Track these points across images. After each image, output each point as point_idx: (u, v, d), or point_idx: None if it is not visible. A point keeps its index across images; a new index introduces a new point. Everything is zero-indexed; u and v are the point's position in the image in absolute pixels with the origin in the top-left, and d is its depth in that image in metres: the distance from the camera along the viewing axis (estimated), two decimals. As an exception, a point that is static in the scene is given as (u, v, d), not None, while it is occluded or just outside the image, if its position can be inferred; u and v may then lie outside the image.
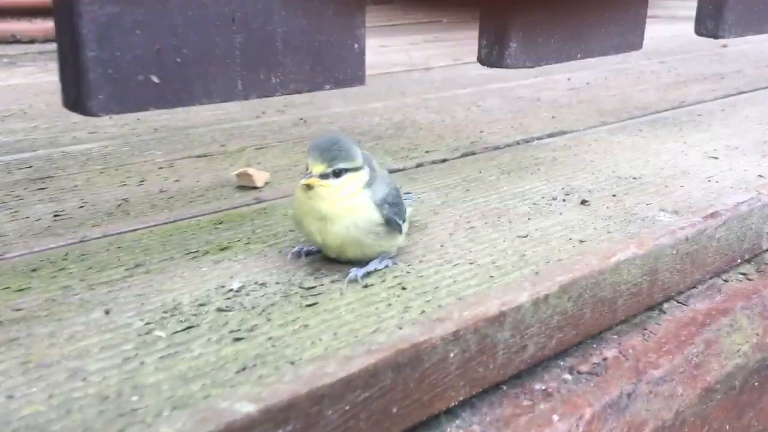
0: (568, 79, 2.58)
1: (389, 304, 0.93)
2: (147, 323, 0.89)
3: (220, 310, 0.92)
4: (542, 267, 1.03)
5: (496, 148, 1.70)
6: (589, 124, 1.91)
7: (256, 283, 0.99)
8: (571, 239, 1.13)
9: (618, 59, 3.03)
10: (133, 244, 1.14)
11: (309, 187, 0.96)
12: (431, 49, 3.48)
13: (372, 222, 0.99)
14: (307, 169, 0.96)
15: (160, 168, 1.54)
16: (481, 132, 1.85)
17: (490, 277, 1.01)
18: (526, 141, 1.75)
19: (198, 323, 0.89)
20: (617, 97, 2.26)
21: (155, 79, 0.83)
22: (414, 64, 2.99)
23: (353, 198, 0.98)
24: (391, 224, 1.01)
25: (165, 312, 0.91)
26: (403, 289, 0.97)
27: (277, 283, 1.00)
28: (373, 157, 1.04)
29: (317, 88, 0.99)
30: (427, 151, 1.67)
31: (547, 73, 2.71)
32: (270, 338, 0.85)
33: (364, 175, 1.00)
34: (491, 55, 1.19)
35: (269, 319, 0.89)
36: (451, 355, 0.88)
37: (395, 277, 1.01)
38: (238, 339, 0.85)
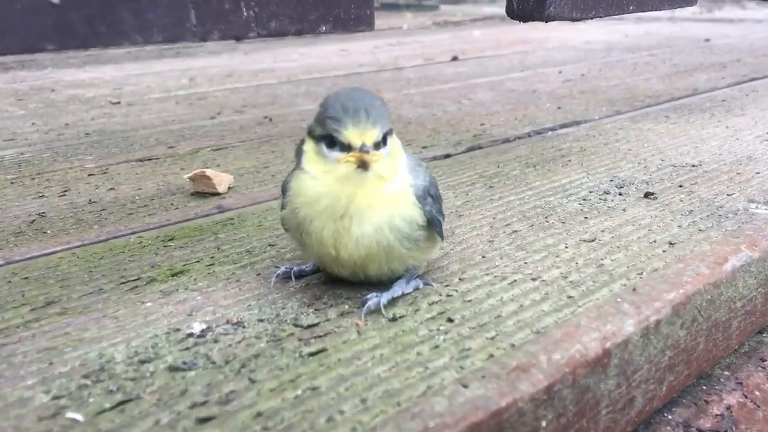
0: (560, 72, 2.31)
1: (436, 346, 0.61)
2: (55, 397, 0.55)
3: (173, 369, 0.59)
4: (637, 280, 0.73)
5: (506, 140, 1.40)
6: (603, 114, 1.63)
7: (228, 322, 0.67)
8: (655, 241, 0.83)
9: (602, 53, 2.80)
10: (47, 272, 0.80)
11: (365, 166, 0.64)
12: (396, 51, 3.19)
13: (411, 221, 0.67)
14: (332, 141, 0.64)
15: (90, 175, 1.20)
16: (482, 125, 1.55)
17: (569, 297, 0.70)
18: (538, 132, 1.46)
19: (138, 394, 0.55)
20: (621, 87, 1.99)
21: (55, -2, 0.51)
22: (383, 65, 2.70)
23: (395, 180, 0.67)
24: (435, 227, 0.70)
25: (86, 376, 0.58)
26: (450, 321, 0.66)
27: (261, 320, 0.67)
28: None
29: (310, 28, 0.67)
30: (424, 147, 1.36)
31: (532, 68, 2.44)
32: (258, 414, 0.52)
33: (397, 140, 0.69)
34: (527, 4, 0.89)
35: (253, 381, 0.57)
36: (544, 423, 0.56)
37: (432, 303, 0.69)
38: (204, 420, 0.52)
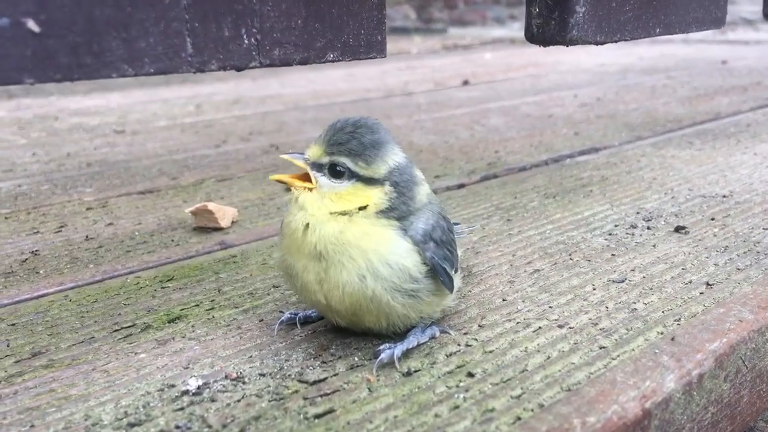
0: (575, 96, 2.26)
1: (456, 407, 0.55)
2: (32, 470, 0.49)
3: (165, 434, 0.53)
4: (675, 328, 0.66)
5: (522, 169, 1.34)
6: (623, 139, 1.57)
7: (226, 377, 0.61)
8: (691, 282, 0.77)
9: (617, 76, 2.75)
10: (35, 318, 0.75)
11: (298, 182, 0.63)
12: (406, 75, 3.15)
13: (403, 270, 0.61)
14: None
15: (89, 209, 1.15)
16: (497, 152, 1.49)
17: (601, 348, 0.63)
18: (556, 160, 1.41)
19: (125, 465, 0.49)
20: (640, 111, 1.93)
21: (33, 26, 0.46)
22: (391, 90, 2.65)
23: (364, 222, 0.61)
24: (438, 275, 0.63)
25: (68, 443, 0.52)
26: (470, 375, 0.60)
27: (262, 375, 0.61)
28: (422, 178, 0.66)
29: (317, 57, 0.62)
30: (437, 176, 1.31)
31: (546, 91, 2.39)
32: (258, 491, 0.46)
33: (379, 196, 0.61)
34: (548, 27, 0.84)
35: (254, 449, 0.51)
36: (580, 497, 0.50)
37: (450, 354, 0.63)
38: (198, 499, 0.46)
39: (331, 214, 0.61)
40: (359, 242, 0.60)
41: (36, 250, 0.96)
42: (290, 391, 0.58)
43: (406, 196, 0.62)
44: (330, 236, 0.60)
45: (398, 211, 0.62)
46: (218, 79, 2.90)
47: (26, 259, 0.93)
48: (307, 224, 0.61)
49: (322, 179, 0.61)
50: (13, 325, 0.73)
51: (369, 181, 0.61)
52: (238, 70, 0.57)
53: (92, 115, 2.11)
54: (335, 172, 0.61)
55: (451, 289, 0.64)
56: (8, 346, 0.69)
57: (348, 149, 0.60)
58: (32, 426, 0.55)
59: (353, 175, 0.61)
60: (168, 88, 2.70)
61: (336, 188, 0.61)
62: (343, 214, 0.61)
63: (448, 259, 0.64)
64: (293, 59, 0.60)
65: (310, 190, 0.62)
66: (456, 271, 0.67)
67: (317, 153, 0.61)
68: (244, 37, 0.56)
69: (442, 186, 1.24)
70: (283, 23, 0.58)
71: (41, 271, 0.88)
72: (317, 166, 0.61)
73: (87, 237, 1.01)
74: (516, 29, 5.47)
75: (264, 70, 3.26)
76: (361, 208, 0.61)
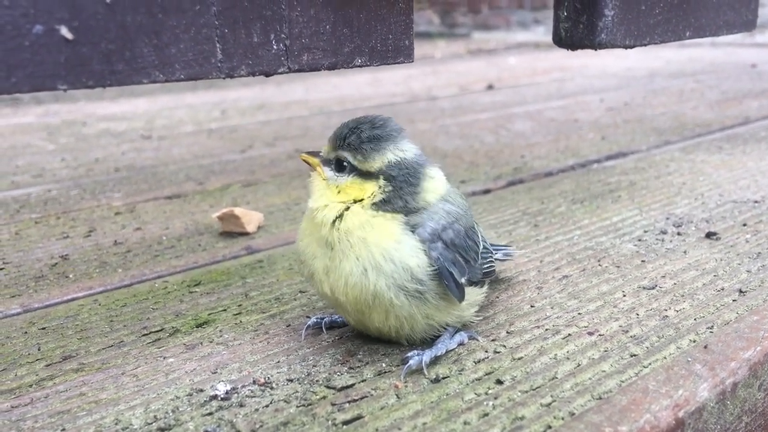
0: (601, 100, 2.24)
1: (485, 414, 0.54)
2: (63, 473, 0.50)
3: (194, 439, 0.53)
4: (708, 336, 0.65)
5: (549, 174, 1.33)
6: (651, 144, 1.56)
7: (254, 382, 0.61)
8: (723, 289, 0.76)
9: (645, 80, 2.72)
10: (66, 322, 0.75)
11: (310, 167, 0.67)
12: (430, 80, 3.15)
13: (405, 269, 0.60)
14: None
15: (117, 213, 1.16)
16: (523, 157, 1.48)
17: (632, 355, 0.62)
18: (583, 165, 1.39)
19: (155, 470, 0.50)
20: (668, 116, 1.91)
21: (66, 34, 0.46)
22: (416, 95, 2.65)
23: (364, 213, 0.63)
24: (443, 278, 0.61)
25: (98, 447, 0.52)
26: (499, 383, 0.59)
27: (290, 380, 0.61)
28: (433, 176, 0.65)
29: (345, 62, 0.62)
30: (462, 181, 1.30)
31: (572, 96, 2.37)
32: (287, 498, 0.46)
33: (373, 189, 0.62)
34: (576, 31, 0.83)
35: (282, 455, 0.51)
36: (612, 508, 0.49)
37: (479, 361, 0.63)
38: (227, 504, 0.46)
39: (334, 203, 0.63)
40: (360, 231, 0.61)
41: (66, 255, 0.97)
42: (318, 396, 0.58)
43: (405, 191, 0.62)
44: (330, 222, 0.62)
45: (394, 206, 0.62)
46: (243, 84, 2.91)
47: (56, 263, 0.94)
48: (315, 208, 0.64)
49: (329, 172, 0.64)
50: (44, 329, 0.74)
51: (366, 174, 0.63)
52: (267, 75, 0.57)
53: (119, 120, 2.13)
54: (340, 166, 0.64)
55: (457, 296, 0.62)
56: (39, 349, 0.69)
57: (347, 144, 0.63)
58: (63, 429, 0.55)
59: (353, 169, 0.63)
60: (194, 93, 2.72)
61: (338, 181, 0.64)
62: (342, 203, 0.63)
63: (457, 264, 0.62)
64: (321, 65, 0.60)
65: (323, 180, 0.65)
66: (477, 285, 0.66)
67: (327, 150, 0.65)
68: (273, 42, 0.56)
69: (467, 191, 1.23)
70: (312, 29, 0.58)
71: (71, 276, 0.89)
72: (327, 162, 0.65)
73: (116, 242, 1.01)
74: (541, 33, 5.45)
75: (289, 75, 3.27)
76: (356, 200, 0.63)
